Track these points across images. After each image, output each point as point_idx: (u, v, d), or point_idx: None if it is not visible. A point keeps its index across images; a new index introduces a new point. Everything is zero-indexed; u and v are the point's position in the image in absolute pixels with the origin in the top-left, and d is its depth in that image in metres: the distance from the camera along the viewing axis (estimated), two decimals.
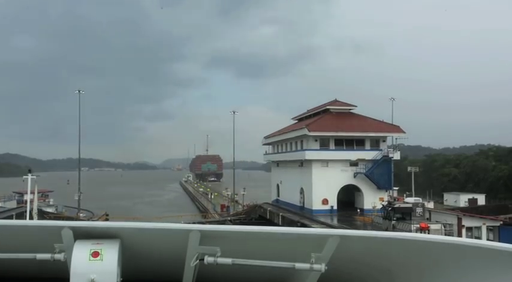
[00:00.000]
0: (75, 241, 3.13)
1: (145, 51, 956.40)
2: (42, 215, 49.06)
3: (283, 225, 47.55)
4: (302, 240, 3.21)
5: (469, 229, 42.86)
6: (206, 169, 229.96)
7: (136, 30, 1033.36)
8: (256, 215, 64.78)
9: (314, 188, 57.60)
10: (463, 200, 78.14)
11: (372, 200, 54.98)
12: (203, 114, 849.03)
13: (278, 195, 72.90)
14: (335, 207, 57.11)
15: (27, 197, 40.99)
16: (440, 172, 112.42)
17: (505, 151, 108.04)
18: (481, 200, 77.81)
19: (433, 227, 40.17)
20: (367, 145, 59.90)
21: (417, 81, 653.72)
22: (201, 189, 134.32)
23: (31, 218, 35.24)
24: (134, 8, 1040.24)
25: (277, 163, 74.22)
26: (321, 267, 3.07)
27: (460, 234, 39.95)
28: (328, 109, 64.65)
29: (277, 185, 73.35)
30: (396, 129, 61.11)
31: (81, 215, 64.39)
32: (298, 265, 3.09)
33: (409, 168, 59.18)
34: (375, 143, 60.36)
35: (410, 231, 35.31)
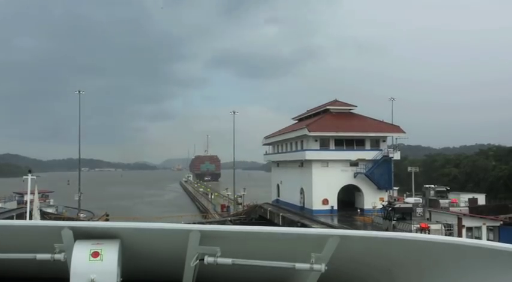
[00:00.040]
0: (75, 241, 3.13)
1: (145, 51, 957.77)
2: (42, 215, 48.98)
3: (283, 225, 47.57)
4: (302, 240, 3.21)
5: (469, 229, 42.84)
6: (205, 169, 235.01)
7: (137, 30, 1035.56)
8: (257, 215, 64.81)
9: (314, 188, 57.60)
10: (463, 199, 78.08)
11: (372, 200, 54.99)
12: (203, 114, 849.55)
13: (278, 196, 72.91)
14: (335, 208, 57.12)
15: (28, 198, 40.97)
16: (440, 172, 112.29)
17: (505, 151, 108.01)
18: (481, 199, 77.62)
19: (433, 227, 40.15)
20: (367, 145, 59.90)
21: (417, 82, 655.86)
22: (201, 189, 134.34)
23: (32, 217, 35.19)
24: (135, 8, 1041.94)
25: (278, 163, 74.22)
26: (321, 267, 3.07)
27: (460, 235, 39.93)
28: (328, 109, 64.66)
29: (278, 185, 73.36)
30: (396, 129, 61.14)
31: (81, 215, 64.37)
32: (298, 265, 3.08)
33: (409, 169, 59.21)
34: (375, 143, 60.36)
35: (410, 231, 35.30)
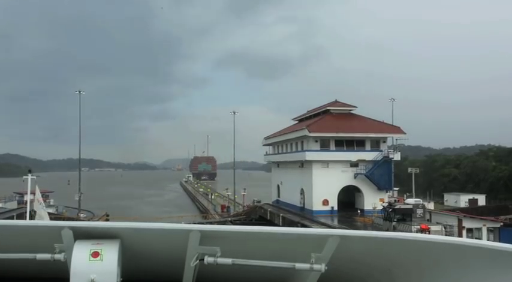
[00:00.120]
0: (75, 241, 3.13)
1: (148, 50, 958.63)
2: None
3: (283, 226, 47.53)
4: (302, 240, 3.21)
5: (469, 230, 42.83)
6: (202, 169, 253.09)
7: (140, 29, 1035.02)
8: (257, 216, 64.78)
9: (314, 189, 57.58)
10: (463, 200, 78.20)
11: (372, 200, 54.97)
12: (204, 115, 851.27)
13: (278, 196, 72.87)
14: (335, 208, 57.07)
15: (28, 198, 40.91)
16: (440, 172, 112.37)
17: (505, 151, 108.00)
18: (481, 200, 77.85)
19: (433, 228, 40.08)
20: (368, 146, 59.87)
21: (417, 79, 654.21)
22: (201, 190, 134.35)
23: (37, 218, 35.08)
24: (139, 7, 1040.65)
25: (278, 164, 74.18)
26: (321, 267, 3.07)
27: (460, 236, 39.89)
28: (329, 110, 64.63)
29: (278, 186, 73.33)
30: (396, 130, 61.13)
31: (81, 215, 64.35)
32: (298, 265, 3.08)
33: (409, 169, 59.15)
34: (375, 144, 60.32)
35: (411, 232, 35.27)
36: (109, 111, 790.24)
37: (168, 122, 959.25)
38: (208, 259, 3.10)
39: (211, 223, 55.86)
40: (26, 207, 42.14)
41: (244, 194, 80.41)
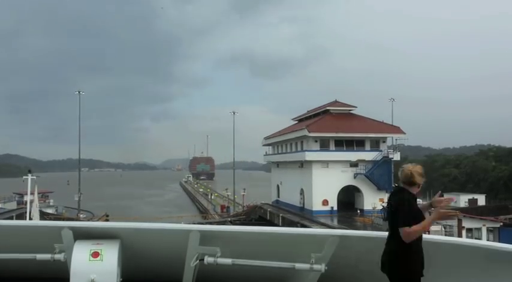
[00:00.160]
0: (75, 241, 3.13)
1: (146, 51, 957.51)
2: (42, 215, 48.92)
3: (283, 226, 47.49)
4: (302, 240, 3.21)
5: (469, 230, 42.81)
6: (200, 169, 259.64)
7: (142, 29, 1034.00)
8: (256, 216, 64.70)
9: (314, 189, 57.57)
10: (463, 200, 78.04)
11: (372, 200, 54.97)
12: (204, 115, 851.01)
13: (278, 196, 72.85)
14: (335, 208, 57.08)
15: (28, 198, 40.87)
16: (440, 172, 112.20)
17: (505, 151, 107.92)
18: (481, 200, 77.70)
19: (433, 228, 39.97)
20: (367, 146, 59.88)
21: (417, 77, 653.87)
22: (201, 190, 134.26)
23: (31, 218, 35.07)
24: (142, 7, 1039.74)
25: (277, 164, 74.15)
26: (321, 267, 3.07)
27: (460, 236, 39.89)
28: (328, 110, 64.62)
29: (277, 186, 73.30)
30: (396, 130, 61.15)
31: (81, 215, 64.27)
32: (298, 265, 3.09)
33: None
34: (375, 144, 60.34)
35: None
36: (109, 111, 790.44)
37: (168, 122, 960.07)
38: (208, 259, 3.10)
39: (211, 223, 55.84)
40: (25, 208, 42.17)
41: (244, 194, 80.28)
